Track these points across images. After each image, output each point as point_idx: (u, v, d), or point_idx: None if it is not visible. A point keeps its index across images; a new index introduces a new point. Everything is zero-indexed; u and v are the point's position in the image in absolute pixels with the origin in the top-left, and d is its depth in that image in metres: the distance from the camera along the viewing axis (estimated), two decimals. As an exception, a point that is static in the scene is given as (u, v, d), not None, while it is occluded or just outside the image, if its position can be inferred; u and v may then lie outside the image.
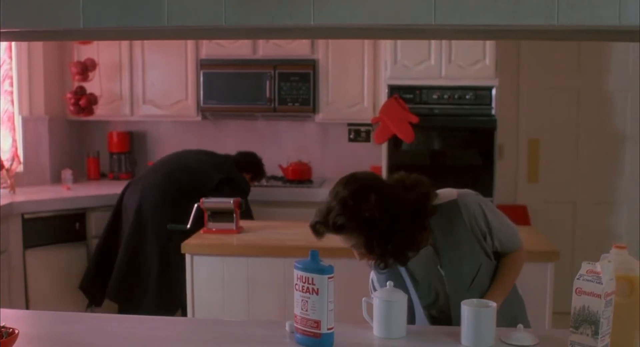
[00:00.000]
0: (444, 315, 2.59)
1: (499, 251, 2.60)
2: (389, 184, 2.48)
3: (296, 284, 2.23)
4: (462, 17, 1.65)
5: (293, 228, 4.48)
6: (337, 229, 2.37)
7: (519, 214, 5.99)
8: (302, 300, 2.21)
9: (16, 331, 2.11)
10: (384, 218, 2.34)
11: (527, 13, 1.65)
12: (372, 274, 2.71)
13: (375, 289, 2.70)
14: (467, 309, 2.19)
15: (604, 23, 1.65)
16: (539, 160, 6.25)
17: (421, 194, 2.47)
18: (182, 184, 5.02)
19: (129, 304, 5.08)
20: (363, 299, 2.45)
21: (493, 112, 5.57)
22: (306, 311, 2.20)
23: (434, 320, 2.61)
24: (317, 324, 2.18)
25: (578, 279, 2.00)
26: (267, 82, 6.01)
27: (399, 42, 5.59)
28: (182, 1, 1.70)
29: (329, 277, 2.18)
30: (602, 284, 1.95)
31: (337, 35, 2.26)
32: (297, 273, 2.22)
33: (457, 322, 2.44)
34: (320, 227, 2.40)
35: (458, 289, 2.53)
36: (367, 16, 1.67)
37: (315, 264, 2.20)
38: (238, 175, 5.33)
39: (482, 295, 2.53)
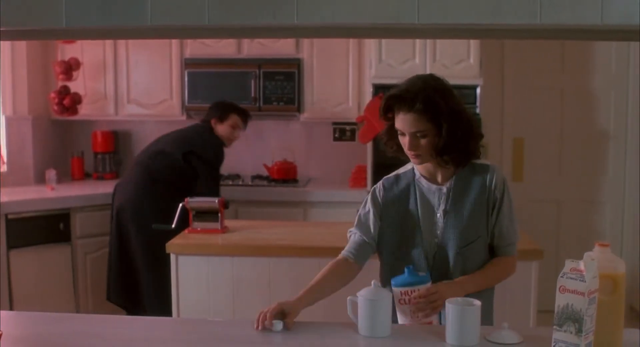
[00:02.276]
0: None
1: (494, 243, 2.62)
2: None
3: (401, 299, 2.50)
4: (446, 16, 1.65)
5: (278, 228, 4.48)
6: (428, 103, 2.48)
7: (504, 213, 6.00)
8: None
9: (0, 332, 2.10)
10: (468, 117, 2.56)
11: (510, 12, 1.66)
12: (368, 199, 2.75)
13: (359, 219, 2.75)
14: (451, 307, 2.20)
15: (586, 22, 1.66)
16: (524, 159, 6.27)
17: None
18: (151, 169, 5.03)
19: (133, 306, 5.06)
20: (348, 298, 2.46)
21: (477, 111, 5.59)
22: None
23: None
24: None
25: (562, 277, 2.01)
26: (252, 81, 6.00)
27: (383, 41, 5.60)
28: (165, 1, 1.70)
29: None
30: (585, 282, 1.96)
31: (321, 34, 2.27)
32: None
33: (434, 277, 2.56)
34: (406, 97, 2.51)
35: (447, 244, 2.58)
36: (351, 15, 1.67)
37: (415, 277, 2.50)
38: (206, 142, 5.24)
39: (465, 269, 2.57)
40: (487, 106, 5.81)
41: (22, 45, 5.87)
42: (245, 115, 5.40)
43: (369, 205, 2.73)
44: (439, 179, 2.63)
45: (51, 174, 6.02)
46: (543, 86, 6.19)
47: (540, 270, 3.88)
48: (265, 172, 6.27)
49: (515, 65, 6.19)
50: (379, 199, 2.70)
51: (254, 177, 6.29)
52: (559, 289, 2.01)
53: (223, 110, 5.31)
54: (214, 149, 5.23)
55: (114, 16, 1.70)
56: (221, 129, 5.27)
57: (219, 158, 5.26)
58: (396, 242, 2.65)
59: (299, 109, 6.09)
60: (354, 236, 2.74)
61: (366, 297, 2.31)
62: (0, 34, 1.82)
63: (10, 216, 5.14)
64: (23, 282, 5.22)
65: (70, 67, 6.00)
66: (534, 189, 6.25)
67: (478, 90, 5.58)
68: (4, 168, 5.91)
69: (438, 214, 2.60)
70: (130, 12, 1.70)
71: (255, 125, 6.49)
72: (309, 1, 1.68)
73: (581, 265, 1.99)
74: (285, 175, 6.15)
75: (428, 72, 5.42)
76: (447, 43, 5.48)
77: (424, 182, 2.65)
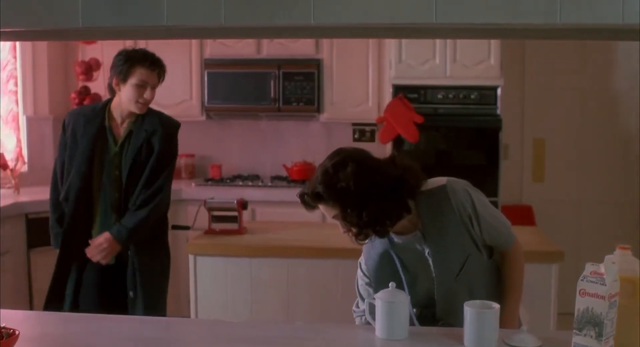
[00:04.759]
0: (429, 311, 2.57)
1: (489, 244, 2.58)
2: (375, 158, 2.51)
3: None
4: (463, 15, 1.63)
5: (297, 228, 4.48)
6: (315, 197, 2.43)
7: (524, 214, 5.97)
8: None
9: (17, 332, 2.11)
10: (359, 187, 2.38)
11: (528, 12, 1.63)
12: (359, 273, 2.71)
13: (360, 293, 2.70)
14: (469, 310, 2.18)
15: (606, 22, 1.63)
16: (544, 160, 6.23)
17: (408, 172, 2.49)
18: None
19: None
20: (366, 299, 2.45)
21: (498, 111, 5.56)
22: None
23: (421, 317, 2.59)
24: None
25: (582, 280, 1.99)
26: (272, 82, 6.00)
27: (403, 41, 5.58)
28: (181, 0, 1.69)
29: None
30: (605, 285, 1.94)
31: (338, 34, 2.26)
32: None
33: (443, 313, 2.51)
34: (305, 197, 2.47)
35: (444, 278, 2.52)
36: (367, 15, 1.66)
37: None
38: None
39: (470, 288, 2.51)
40: (507, 107, 5.77)
41: (43, 45, 5.90)
42: (153, 63, 3.86)
43: (360, 281, 2.71)
44: (408, 227, 2.54)
45: (71, 174, 6.03)
46: (564, 86, 6.14)
47: (562, 271, 3.85)
48: (284, 173, 6.26)
49: (536, 65, 6.15)
50: (365, 272, 2.68)
51: (273, 178, 6.29)
52: (579, 292, 1.99)
53: (125, 63, 3.80)
54: None
55: (131, 16, 1.70)
56: (124, 92, 3.80)
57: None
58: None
59: (319, 110, 6.08)
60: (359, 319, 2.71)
61: (384, 300, 2.29)
62: (16, 34, 1.83)
63: (30, 216, 5.16)
64: (43, 281, 5.22)
65: (90, 68, 6.02)
66: (554, 189, 6.21)
67: (499, 91, 5.55)
68: (25, 168, 5.94)
69: (425, 257, 2.54)
70: (147, 13, 1.69)
71: (275, 126, 6.49)
72: (326, 1, 1.66)
73: (601, 268, 1.96)
74: (305, 176, 6.13)
75: (448, 72, 5.52)
76: (468, 43, 5.45)
77: (396, 239, 2.57)
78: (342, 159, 2.44)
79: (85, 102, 6.03)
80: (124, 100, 3.78)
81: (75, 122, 3.84)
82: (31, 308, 5.06)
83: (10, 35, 1.89)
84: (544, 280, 3.78)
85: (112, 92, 3.85)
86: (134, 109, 3.78)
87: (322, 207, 2.46)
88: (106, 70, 6.04)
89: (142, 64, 3.76)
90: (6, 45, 5.64)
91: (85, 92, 6.07)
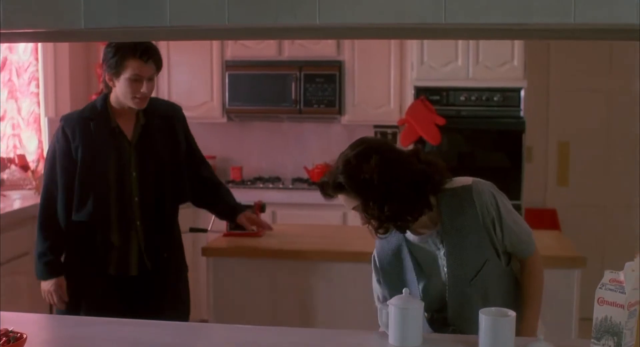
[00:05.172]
0: (440, 315, 2.51)
1: (509, 250, 2.51)
2: (398, 150, 2.46)
3: None
4: (473, 16, 1.58)
5: (317, 231, 4.45)
6: (336, 188, 2.36)
7: (548, 218, 5.90)
8: None
9: (24, 336, 2.09)
10: (382, 180, 2.31)
11: (541, 11, 1.58)
12: (373, 269, 2.65)
13: (374, 289, 2.65)
14: (485, 318, 2.13)
15: (624, 21, 1.58)
16: (569, 163, 6.15)
17: (431, 167, 2.41)
18: None
19: None
20: (379, 306, 2.41)
21: (522, 114, 5.50)
22: None
23: (432, 321, 2.54)
24: None
25: (600, 288, 1.94)
26: (293, 84, 5.98)
27: (425, 42, 5.53)
28: (183, 1, 1.66)
29: None
30: (625, 293, 1.88)
31: (344, 35, 2.22)
32: None
33: (454, 318, 2.45)
34: (325, 186, 2.40)
35: (458, 281, 2.45)
36: (374, 15, 1.61)
37: None
38: None
39: (485, 294, 2.45)
40: (531, 109, 5.70)
41: (64, 47, 5.91)
42: (144, 53, 3.37)
43: (374, 276, 2.64)
44: (427, 225, 2.47)
45: (93, 175, 6.04)
46: (589, 88, 6.06)
47: (587, 276, 3.76)
48: (305, 175, 6.23)
49: (561, 67, 6.08)
50: (378, 267, 2.60)
51: (294, 180, 6.26)
52: (597, 300, 1.94)
53: (114, 55, 3.41)
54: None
55: (133, 17, 1.67)
56: (119, 87, 3.44)
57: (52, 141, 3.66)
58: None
59: (340, 112, 6.04)
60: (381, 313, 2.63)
61: (397, 306, 2.25)
62: (18, 35, 1.81)
63: (51, 217, 5.16)
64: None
65: (112, 70, 6.03)
66: (579, 193, 6.13)
67: (522, 93, 5.48)
68: (46, 169, 5.95)
69: (439, 259, 2.48)
70: (149, 13, 1.66)
71: (296, 128, 6.47)
72: (331, 1, 1.63)
73: (621, 276, 1.91)
74: (326, 178, 6.10)
75: (471, 74, 5.46)
76: (490, 44, 5.39)
77: (412, 237, 2.50)
78: (364, 149, 2.38)
79: (107, 104, 6.04)
80: (120, 96, 3.43)
81: (83, 127, 3.49)
82: (51, 310, 5.06)
83: (11, 37, 1.86)
84: (566, 286, 3.72)
85: (108, 87, 3.49)
86: (132, 105, 3.42)
87: (342, 198, 2.40)
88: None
89: (133, 56, 3.35)
90: (28, 47, 5.66)
91: (106, 93, 6.08)
